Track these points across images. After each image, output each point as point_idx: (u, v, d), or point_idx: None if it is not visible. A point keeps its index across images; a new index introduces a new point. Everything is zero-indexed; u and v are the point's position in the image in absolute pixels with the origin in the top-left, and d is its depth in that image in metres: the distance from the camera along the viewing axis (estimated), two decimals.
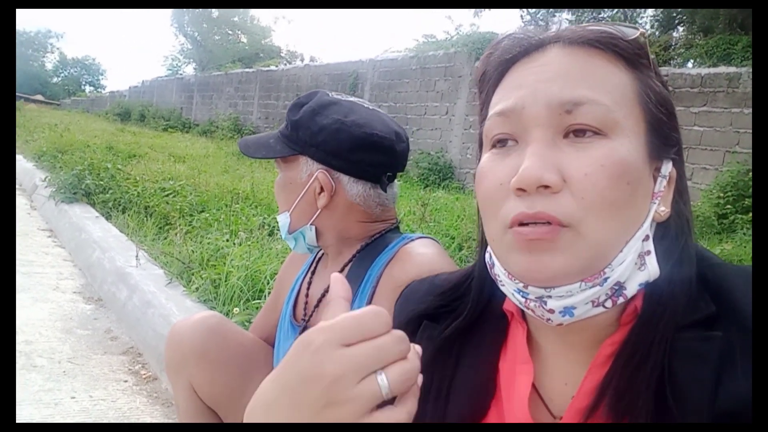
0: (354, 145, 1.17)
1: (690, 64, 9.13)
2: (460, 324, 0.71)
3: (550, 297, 0.56)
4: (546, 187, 0.54)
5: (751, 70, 7.04)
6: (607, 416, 0.56)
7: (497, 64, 0.64)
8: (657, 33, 13.14)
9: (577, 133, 0.56)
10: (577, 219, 0.54)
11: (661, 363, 0.55)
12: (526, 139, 0.58)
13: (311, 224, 1.22)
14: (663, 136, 0.60)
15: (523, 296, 0.58)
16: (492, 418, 0.67)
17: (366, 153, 1.18)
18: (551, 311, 0.56)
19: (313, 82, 14.17)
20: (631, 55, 0.59)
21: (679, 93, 7.53)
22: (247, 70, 17.94)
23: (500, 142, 0.61)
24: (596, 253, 0.55)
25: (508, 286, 0.61)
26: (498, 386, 0.68)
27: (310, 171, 1.19)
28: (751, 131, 6.87)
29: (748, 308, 0.54)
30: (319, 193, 1.19)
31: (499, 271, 0.62)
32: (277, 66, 17.29)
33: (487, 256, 0.67)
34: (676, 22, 13.37)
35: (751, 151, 6.82)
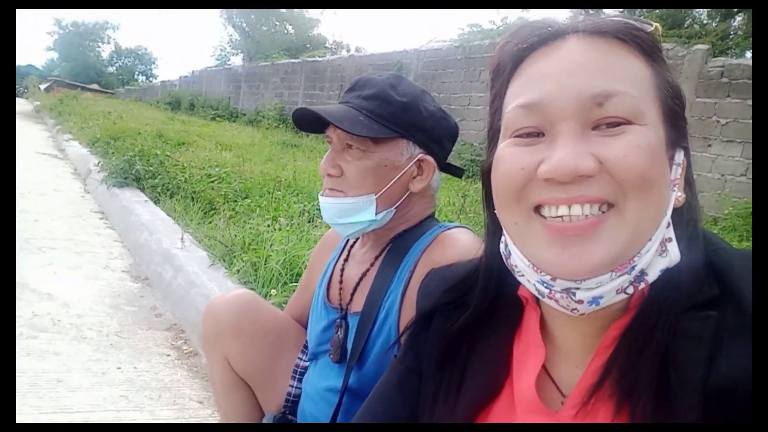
0: (449, 135, 1.25)
1: (749, 54, 8.75)
2: (469, 318, 0.72)
3: (578, 288, 0.56)
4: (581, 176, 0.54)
5: None
6: (612, 392, 0.57)
7: (512, 54, 0.63)
8: (714, 23, 12.60)
9: (610, 125, 0.56)
10: (621, 197, 0.54)
11: (665, 344, 0.55)
12: (554, 131, 0.57)
13: (395, 207, 1.20)
14: (678, 127, 0.61)
15: (547, 287, 0.58)
16: (505, 396, 0.69)
17: (451, 144, 1.26)
18: (580, 302, 0.56)
19: (358, 72, 14.07)
20: (650, 48, 0.60)
21: (735, 84, 7.22)
22: (292, 60, 18.12)
23: (526, 135, 0.59)
24: (633, 238, 0.55)
25: (528, 277, 0.61)
26: (512, 367, 0.69)
27: (410, 154, 1.18)
28: None
29: (743, 290, 0.54)
30: (414, 177, 1.20)
31: (518, 262, 0.62)
32: (322, 56, 17.40)
33: (501, 246, 0.67)
34: (736, 10, 12.80)
35: None
